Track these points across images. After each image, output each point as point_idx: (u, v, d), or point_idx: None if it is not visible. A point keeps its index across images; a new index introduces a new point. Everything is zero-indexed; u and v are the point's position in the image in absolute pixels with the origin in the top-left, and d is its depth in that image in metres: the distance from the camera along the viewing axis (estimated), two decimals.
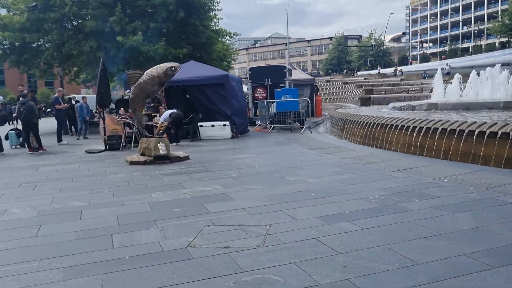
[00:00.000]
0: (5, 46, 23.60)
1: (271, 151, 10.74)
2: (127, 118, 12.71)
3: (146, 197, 6.41)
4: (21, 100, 12.76)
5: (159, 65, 9.82)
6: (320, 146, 11.24)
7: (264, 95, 20.28)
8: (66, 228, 5.01)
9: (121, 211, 5.68)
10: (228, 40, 26.69)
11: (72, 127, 18.84)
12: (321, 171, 7.77)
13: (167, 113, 12.91)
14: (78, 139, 16.92)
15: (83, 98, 17.36)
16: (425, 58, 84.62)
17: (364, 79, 53.08)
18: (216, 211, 5.42)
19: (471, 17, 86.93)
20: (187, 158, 10.00)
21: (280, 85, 19.92)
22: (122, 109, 13.33)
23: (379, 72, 57.28)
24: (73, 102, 18.14)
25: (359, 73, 66.55)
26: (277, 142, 12.62)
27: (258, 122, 18.38)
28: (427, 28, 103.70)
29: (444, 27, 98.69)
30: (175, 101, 16.45)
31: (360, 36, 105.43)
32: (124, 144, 12.61)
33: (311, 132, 15.26)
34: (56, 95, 15.57)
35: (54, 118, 16.45)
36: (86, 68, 27.02)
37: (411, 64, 78.26)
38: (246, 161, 9.35)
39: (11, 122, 15.92)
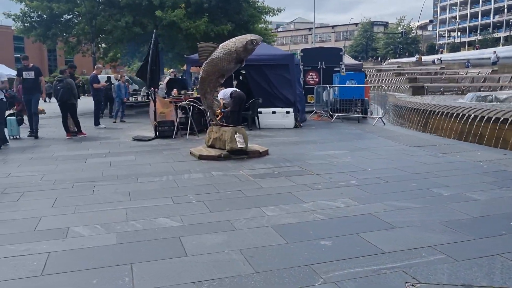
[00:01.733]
0: (32, 19, 21.86)
1: (363, 147, 8.81)
2: (182, 101, 10.83)
3: (259, 214, 4.55)
4: (58, 77, 10.99)
5: (236, 38, 7.90)
6: (418, 142, 9.27)
7: (317, 79, 18.34)
8: (176, 278, 3.17)
9: (239, 240, 3.85)
10: (272, 16, 24.51)
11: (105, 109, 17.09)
12: (473, 181, 5.82)
13: (227, 91, 11.00)
14: (115, 122, 15.15)
15: (120, 77, 15.52)
16: (454, 48, 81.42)
17: (398, 66, 50.64)
18: (391, 251, 3.54)
19: (504, 5, 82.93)
20: (266, 153, 8.13)
21: (335, 69, 17.97)
22: (175, 90, 11.45)
23: (420, 59, 54.63)
24: (113, 81, 16.30)
25: (392, 60, 63.91)
26: (357, 135, 10.68)
27: (314, 110, 16.38)
28: (456, 16, 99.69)
29: (474, 16, 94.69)
30: (226, 83, 14.59)
31: (387, 23, 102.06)
32: (176, 131, 10.76)
33: (385, 124, 13.25)
34: (94, 72, 13.75)
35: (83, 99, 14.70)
36: (116, 46, 25.20)
37: (441, 53, 75.43)
38: (346, 160, 7.45)
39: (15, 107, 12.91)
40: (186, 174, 6.57)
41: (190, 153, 8.27)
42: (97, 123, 13.65)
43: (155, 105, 10.62)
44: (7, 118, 10.69)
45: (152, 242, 3.85)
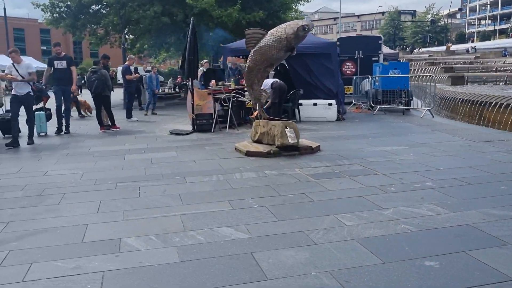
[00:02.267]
0: (61, 9, 21.56)
1: (421, 142, 8.07)
2: (222, 92, 10.22)
3: (336, 224, 3.92)
4: (92, 68, 10.51)
5: (287, 24, 7.23)
6: (481, 137, 8.49)
7: (353, 69, 17.51)
8: None
9: (324, 259, 3.24)
10: (303, 4, 23.62)
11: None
12: None
13: (267, 81, 10.34)
14: (146, 114, 14.69)
15: (152, 68, 15.03)
16: (485, 36, 78.79)
17: (429, 56, 49.08)
18: None
19: None
20: (318, 148, 7.48)
21: (373, 58, 17.11)
22: (213, 81, 10.83)
23: (448, 48, 52.85)
24: (139, 73, 15.82)
25: (423, 49, 62.11)
26: (408, 129, 9.91)
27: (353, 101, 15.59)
28: (486, 3, 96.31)
29: (506, 3, 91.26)
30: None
31: (414, 11, 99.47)
32: (215, 125, 10.18)
33: (433, 116, 12.41)
34: (126, 63, 13.28)
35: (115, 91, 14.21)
36: (143, 37, 24.73)
37: (472, 41, 73.05)
38: (409, 157, 6.74)
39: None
40: (237, 173, 5.96)
41: (235, 148, 7.68)
42: (129, 116, 13.20)
43: (192, 97, 10.04)
44: (36, 113, 9.90)
45: (221, 260, 3.25)
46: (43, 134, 10.12)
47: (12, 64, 8.70)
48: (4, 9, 35.63)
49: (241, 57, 14.22)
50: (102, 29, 24.08)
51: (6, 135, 9.73)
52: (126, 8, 20.25)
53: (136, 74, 13.85)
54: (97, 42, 24.95)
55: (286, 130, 7.07)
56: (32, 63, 9.31)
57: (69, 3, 21.10)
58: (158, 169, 6.36)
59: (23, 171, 6.51)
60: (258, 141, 7.61)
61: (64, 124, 10.38)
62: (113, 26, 21.29)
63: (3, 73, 8.94)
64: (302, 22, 7.12)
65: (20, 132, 8.92)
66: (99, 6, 22.62)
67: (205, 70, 14.53)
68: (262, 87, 10.20)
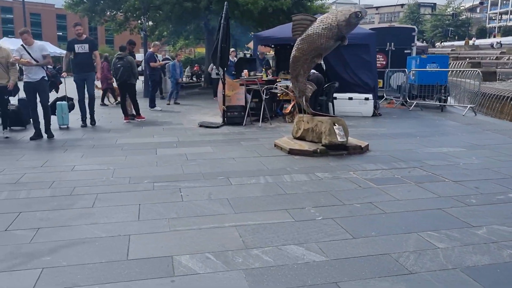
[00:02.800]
0: None
1: (478, 143, 7.39)
2: (255, 83, 9.58)
3: (425, 246, 3.30)
4: (118, 54, 9.91)
5: (338, 10, 6.54)
6: None
7: (384, 62, 16.68)
8: None
9: None
10: None
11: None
12: None
13: None
14: (168, 104, 14.14)
15: (176, 56, 14.42)
16: (506, 31, 76.83)
17: (452, 50, 47.84)
18: None
19: None
20: (367, 148, 6.83)
21: (405, 51, 16.30)
22: (245, 71, 10.19)
23: (467, 42, 51.49)
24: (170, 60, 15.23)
25: (445, 43, 60.71)
26: (456, 128, 9.20)
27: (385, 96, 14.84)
28: None
29: None
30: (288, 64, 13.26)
31: (434, 4, 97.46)
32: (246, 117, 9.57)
33: (475, 114, 11.65)
34: (151, 50, 12.68)
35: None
36: (163, 23, 24.12)
37: (494, 36, 71.39)
38: (473, 161, 6.07)
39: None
40: (286, 175, 5.34)
41: (275, 145, 7.06)
42: (152, 105, 12.63)
43: (224, 88, 9.41)
44: (58, 103, 8.97)
45: None
46: (64, 127, 9.12)
47: (23, 46, 7.68)
48: None
49: (272, 46, 13.57)
50: (121, 15, 23.52)
51: (11, 127, 8.64)
52: None
53: (161, 62, 13.24)
54: (115, 28, 24.42)
55: (334, 127, 6.43)
56: (46, 45, 8.38)
57: None
58: (197, 167, 5.76)
59: (49, 164, 5.96)
60: (301, 138, 6.98)
61: (88, 115, 9.48)
62: (134, 11, 20.67)
63: (16, 58, 7.67)
64: (354, 8, 6.42)
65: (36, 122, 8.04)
66: None
67: (239, 58, 13.89)
68: None
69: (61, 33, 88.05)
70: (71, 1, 20.74)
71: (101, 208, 4.18)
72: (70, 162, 6.09)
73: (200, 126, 9.33)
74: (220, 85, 9.74)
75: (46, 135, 7.95)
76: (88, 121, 9.50)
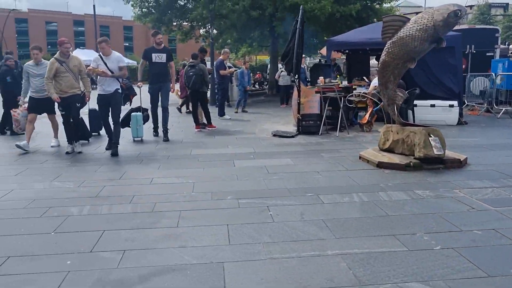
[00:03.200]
0: (150, 4, 21.47)
1: None
2: (333, 90, 9.07)
3: None
4: (190, 62, 9.75)
5: (435, 8, 5.91)
6: None
7: (464, 66, 15.54)
8: None
9: None
10: None
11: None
12: None
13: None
14: (236, 112, 13.91)
15: (244, 63, 14.19)
16: None
17: None
18: None
19: None
20: (465, 161, 6.12)
21: (487, 54, 15.12)
22: (321, 78, 9.72)
23: None
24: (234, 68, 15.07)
25: None
26: None
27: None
28: None
29: None
30: (360, 70, 12.63)
31: (507, 4, 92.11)
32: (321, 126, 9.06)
33: None
34: (220, 57, 12.50)
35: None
36: (228, 31, 24.10)
37: None
38: None
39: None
40: (381, 192, 4.80)
41: (360, 157, 6.51)
42: (221, 113, 12.43)
43: (299, 96, 8.98)
44: (132, 114, 8.49)
45: None
46: (139, 139, 8.64)
47: (100, 56, 7.45)
48: (94, 6, 36.95)
49: (346, 51, 13.01)
50: (187, 24, 23.84)
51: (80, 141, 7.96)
52: (215, 2, 19.65)
53: (231, 69, 13.04)
54: (181, 37, 24.79)
55: (430, 138, 5.79)
56: (122, 57, 7.78)
57: None
58: (280, 182, 5.34)
59: (127, 177, 5.78)
60: (389, 150, 6.39)
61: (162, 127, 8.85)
62: (200, 20, 20.83)
63: (93, 67, 7.37)
64: (453, 6, 5.76)
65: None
66: (186, 0, 22.35)
67: (314, 64, 13.46)
68: (375, 85, 8.97)
69: (127, 44, 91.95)
70: (141, 12, 21.22)
71: (186, 228, 3.86)
72: (148, 174, 5.88)
73: (274, 135, 8.94)
74: (295, 93, 9.32)
75: (110, 151, 7.38)
76: (159, 131, 9.07)
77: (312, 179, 5.45)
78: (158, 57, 8.62)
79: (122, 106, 7.70)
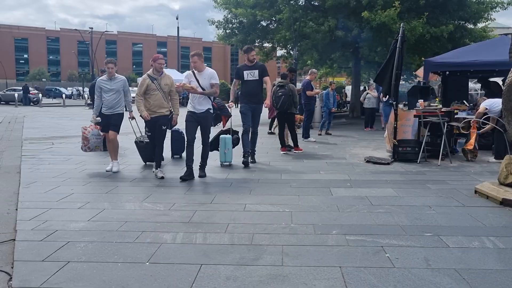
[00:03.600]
0: (234, 25, 21.76)
1: None
2: (436, 114, 8.29)
3: None
4: (279, 82, 9.40)
5: None
6: None
7: None
8: None
9: None
10: (497, 11, 19.85)
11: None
12: None
13: (495, 101, 8.15)
14: (320, 134, 13.38)
15: (330, 84, 13.69)
16: None
17: None
18: None
19: None
20: None
21: None
22: (421, 101, 8.95)
23: None
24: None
25: None
26: None
27: None
28: None
29: None
30: (458, 94, 11.62)
31: None
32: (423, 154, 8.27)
33: None
34: (307, 78, 12.09)
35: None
36: (309, 52, 23.73)
37: None
38: None
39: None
40: None
41: (476, 192, 5.70)
42: (306, 135, 11.96)
43: (396, 119, 8.29)
44: (221, 136, 7.89)
45: None
46: (227, 164, 7.94)
47: (192, 72, 6.88)
48: (178, 28, 38.44)
49: (440, 73, 12.13)
50: (269, 45, 23.88)
51: (147, 162, 7.95)
52: (297, 23, 19.47)
53: (317, 90, 12.58)
54: (263, 57, 24.87)
55: None
56: (215, 74, 7.01)
57: (241, 19, 21.13)
58: (389, 217, 4.72)
59: (218, 201, 5.44)
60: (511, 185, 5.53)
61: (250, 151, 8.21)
62: (285, 41, 20.75)
63: (184, 83, 6.79)
64: None
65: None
66: (269, 22, 22.40)
67: (412, 86, 12.68)
68: (487, 107, 8.10)
69: (206, 64, 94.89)
70: (225, 33, 21.58)
71: (293, 268, 3.37)
72: (240, 199, 5.50)
73: (368, 161, 8.28)
74: (392, 116, 8.62)
75: (199, 173, 6.89)
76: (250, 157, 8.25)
77: (426, 216, 4.77)
78: (250, 75, 7.92)
79: (212, 127, 7.21)
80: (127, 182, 6.59)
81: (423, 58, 10.60)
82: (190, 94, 6.91)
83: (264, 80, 8.00)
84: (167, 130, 7.21)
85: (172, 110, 7.03)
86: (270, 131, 13.32)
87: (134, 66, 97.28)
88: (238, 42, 21.58)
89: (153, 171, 7.01)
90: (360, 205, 5.20)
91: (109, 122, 7.37)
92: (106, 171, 7.26)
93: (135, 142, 8.16)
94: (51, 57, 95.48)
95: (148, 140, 7.50)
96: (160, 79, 6.80)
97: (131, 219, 4.65)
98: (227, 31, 21.64)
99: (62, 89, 53.46)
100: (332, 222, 4.53)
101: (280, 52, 25.68)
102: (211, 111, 6.96)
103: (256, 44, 23.35)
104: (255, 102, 8.04)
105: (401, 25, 8.65)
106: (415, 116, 8.52)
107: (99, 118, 7.41)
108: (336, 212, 4.94)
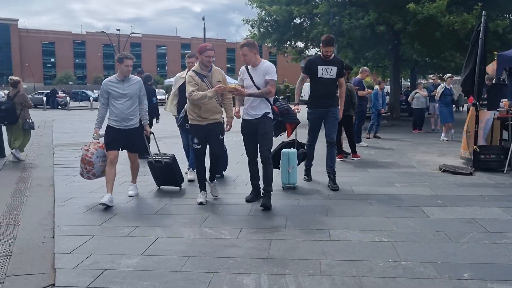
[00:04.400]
0: (268, 24, 20.83)
1: None
2: None
3: None
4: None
5: None
6: None
7: None
8: None
9: None
10: None
11: None
12: None
13: None
14: (369, 137, 12.30)
15: (379, 83, 12.58)
16: None
17: None
18: None
19: None
20: None
21: None
22: (505, 101, 7.79)
23: None
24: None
25: None
26: None
27: None
28: None
29: None
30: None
31: None
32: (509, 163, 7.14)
33: None
34: (358, 76, 11.03)
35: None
36: (343, 50, 22.63)
37: None
38: None
39: None
40: None
41: None
42: (358, 139, 10.86)
43: (477, 122, 7.18)
44: (283, 151, 6.07)
45: None
46: (291, 185, 6.10)
47: (246, 67, 5.33)
48: (204, 28, 37.68)
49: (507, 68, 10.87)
50: (303, 43, 22.92)
51: (161, 186, 6.24)
52: (336, 18, 18.40)
53: (370, 90, 11.51)
54: (295, 56, 23.95)
55: None
56: (273, 68, 5.24)
57: (275, 17, 20.18)
58: None
59: (292, 226, 4.49)
60: None
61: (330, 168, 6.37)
62: (319, 39, 19.69)
63: (221, 85, 5.12)
64: None
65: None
66: (302, 20, 21.41)
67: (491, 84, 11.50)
68: None
69: (229, 65, 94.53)
70: (259, 32, 20.70)
71: None
72: (319, 223, 4.56)
73: (444, 171, 7.20)
74: (470, 118, 7.52)
75: (263, 201, 5.16)
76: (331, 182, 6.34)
77: None
78: (326, 71, 6.08)
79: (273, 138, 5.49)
80: (174, 199, 5.68)
81: (495, 52, 9.50)
82: (236, 97, 5.45)
83: (339, 82, 6.28)
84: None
85: (226, 114, 5.50)
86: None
87: (158, 69, 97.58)
88: (274, 42, 20.68)
89: (203, 197, 5.42)
90: (475, 232, 4.16)
91: (120, 140, 5.46)
92: (129, 196, 5.73)
93: (150, 162, 6.09)
94: (77, 60, 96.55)
95: (168, 160, 5.96)
96: (210, 76, 5.21)
97: (195, 253, 3.72)
98: (261, 30, 20.68)
99: (89, 92, 53.39)
100: (453, 259, 3.51)
101: (313, 51, 24.63)
102: (270, 115, 5.28)
103: (288, 43, 22.42)
104: (329, 104, 6.22)
105: (483, 14, 7.51)
106: (498, 118, 7.39)
107: (103, 132, 5.52)
108: (449, 243, 3.90)
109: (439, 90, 12.00)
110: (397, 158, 8.78)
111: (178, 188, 6.11)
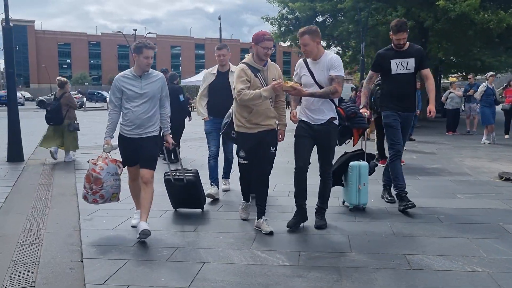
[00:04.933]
0: (289, 22, 20.20)
1: None
2: None
3: None
4: (378, 80, 7.65)
5: None
6: None
7: None
8: None
9: None
10: None
11: None
12: None
13: None
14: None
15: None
16: None
17: None
18: None
19: None
20: None
21: None
22: None
23: None
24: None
25: None
26: None
27: None
28: None
29: None
30: None
31: None
32: None
33: None
34: None
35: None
36: (367, 48, 21.84)
37: None
38: None
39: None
40: None
41: None
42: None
43: None
44: (351, 164, 4.93)
45: None
46: (362, 207, 5.01)
47: (304, 61, 4.32)
48: (220, 29, 37.30)
49: None
50: (325, 41, 22.23)
51: (178, 208, 5.15)
52: (363, 13, 17.66)
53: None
54: None
55: None
56: (339, 60, 4.22)
57: (296, 14, 19.55)
58: None
59: (358, 248, 3.84)
60: None
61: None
62: (347, 35, 18.96)
63: (274, 84, 4.00)
64: None
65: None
66: (325, 17, 20.75)
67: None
68: None
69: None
70: (280, 30, 20.17)
71: None
72: (389, 245, 3.89)
73: (506, 179, 6.48)
74: None
75: (316, 222, 4.42)
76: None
77: None
78: (402, 65, 4.88)
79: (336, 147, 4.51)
80: (211, 212, 5.05)
81: None
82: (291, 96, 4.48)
83: (424, 74, 4.95)
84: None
85: (278, 120, 4.42)
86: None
87: (172, 69, 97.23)
88: (294, 40, 20.03)
89: (258, 223, 4.38)
90: None
91: (136, 151, 4.27)
92: (132, 226, 4.45)
93: (166, 180, 4.92)
94: (92, 61, 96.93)
95: (191, 177, 4.81)
96: (265, 71, 4.21)
97: (253, 286, 3.08)
98: (282, 28, 20.05)
99: (105, 93, 53.22)
100: None
101: (334, 49, 23.95)
102: (336, 121, 4.35)
103: None
104: (407, 108, 5.03)
105: None
106: None
107: (116, 143, 4.39)
108: None
109: (481, 89, 11.22)
110: (444, 164, 8.07)
111: (200, 210, 5.04)
